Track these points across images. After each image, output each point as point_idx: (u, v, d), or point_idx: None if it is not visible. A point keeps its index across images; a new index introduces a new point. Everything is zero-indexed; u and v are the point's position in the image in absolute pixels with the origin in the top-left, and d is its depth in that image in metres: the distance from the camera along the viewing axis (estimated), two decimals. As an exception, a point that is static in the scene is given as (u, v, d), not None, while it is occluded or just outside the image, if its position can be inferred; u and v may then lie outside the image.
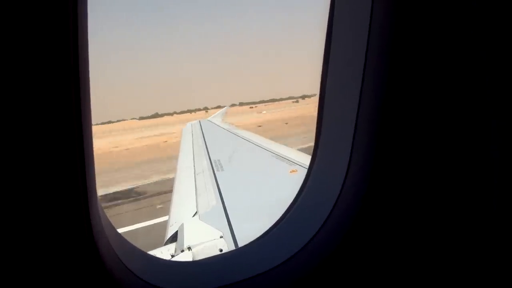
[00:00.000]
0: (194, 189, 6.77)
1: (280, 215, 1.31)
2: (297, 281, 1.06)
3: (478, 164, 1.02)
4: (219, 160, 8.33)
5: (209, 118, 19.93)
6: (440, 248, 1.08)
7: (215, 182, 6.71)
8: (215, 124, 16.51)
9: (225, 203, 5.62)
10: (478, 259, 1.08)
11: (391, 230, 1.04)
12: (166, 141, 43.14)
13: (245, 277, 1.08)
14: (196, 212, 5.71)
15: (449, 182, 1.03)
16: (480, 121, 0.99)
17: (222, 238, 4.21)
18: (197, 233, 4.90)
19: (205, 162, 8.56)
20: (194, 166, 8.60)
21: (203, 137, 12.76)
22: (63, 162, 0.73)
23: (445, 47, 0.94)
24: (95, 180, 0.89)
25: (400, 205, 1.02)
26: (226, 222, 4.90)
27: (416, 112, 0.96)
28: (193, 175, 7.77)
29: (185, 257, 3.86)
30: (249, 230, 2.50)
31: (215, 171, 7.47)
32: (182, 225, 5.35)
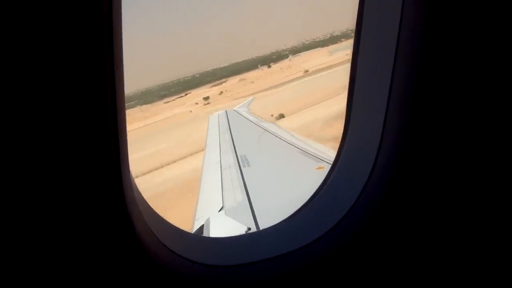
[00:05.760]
0: (220, 184, 6.85)
1: None
2: (319, 263, 1.07)
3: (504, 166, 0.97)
4: (245, 156, 8.37)
5: (235, 108, 20.01)
6: (468, 246, 1.04)
7: (241, 178, 6.75)
8: (242, 115, 16.53)
9: (251, 199, 5.65)
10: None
11: (417, 217, 1.02)
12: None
13: (273, 255, 1.09)
14: (222, 207, 5.78)
15: (475, 184, 0.98)
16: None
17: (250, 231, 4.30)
18: (223, 227, 4.97)
19: (232, 157, 8.63)
20: (220, 161, 8.69)
21: (230, 130, 12.82)
22: (97, 136, 0.74)
23: (482, 38, 0.86)
24: (127, 152, 0.89)
25: (426, 194, 0.99)
26: (252, 218, 4.94)
27: (444, 101, 0.91)
28: (220, 170, 7.85)
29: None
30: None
31: (241, 167, 7.51)
32: (208, 219, 5.44)
